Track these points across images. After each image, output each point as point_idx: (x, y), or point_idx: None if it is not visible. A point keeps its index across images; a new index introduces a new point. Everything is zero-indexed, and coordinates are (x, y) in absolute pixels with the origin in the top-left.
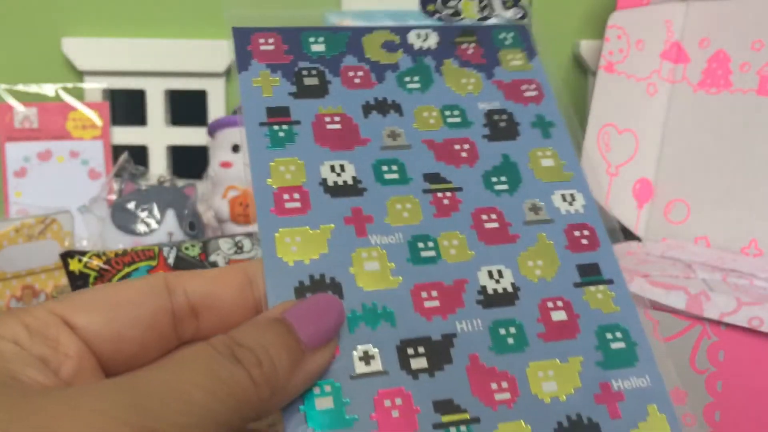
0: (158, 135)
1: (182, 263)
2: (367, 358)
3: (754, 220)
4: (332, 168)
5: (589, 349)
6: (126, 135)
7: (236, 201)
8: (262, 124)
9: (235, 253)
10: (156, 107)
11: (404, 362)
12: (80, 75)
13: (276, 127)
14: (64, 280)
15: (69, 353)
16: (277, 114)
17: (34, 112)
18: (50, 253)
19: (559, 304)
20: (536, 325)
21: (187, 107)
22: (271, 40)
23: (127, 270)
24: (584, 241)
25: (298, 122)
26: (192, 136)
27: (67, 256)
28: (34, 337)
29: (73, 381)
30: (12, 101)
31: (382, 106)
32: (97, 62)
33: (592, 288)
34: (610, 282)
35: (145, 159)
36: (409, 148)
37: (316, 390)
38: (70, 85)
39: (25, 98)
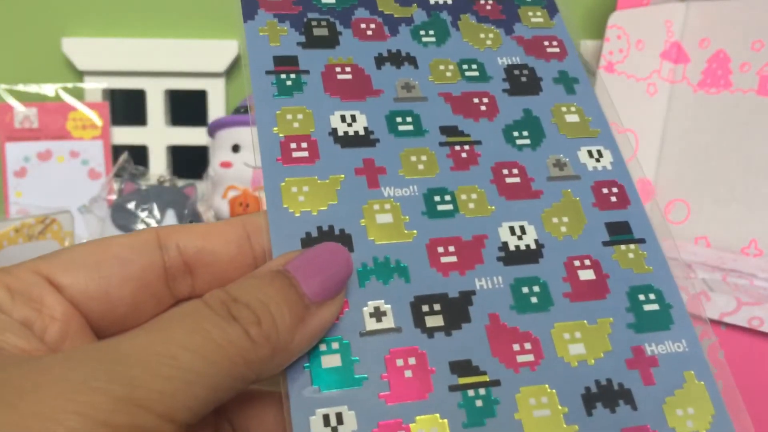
0: (158, 135)
1: None
2: (378, 314)
3: (754, 220)
4: (343, 118)
5: (619, 310)
6: (126, 135)
7: (236, 201)
8: (268, 72)
9: None
10: (156, 107)
11: (419, 320)
12: (80, 75)
13: (283, 76)
14: None
15: (54, 315)
16: (285, 63)
17: (34, 112)
18: None
19: (587, 263)
20: (562, 285)
21: (187, 107)
22: None
23: None
24: (613, 199)
25: (306, 72)
26: (192, 136)
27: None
28: (16, 299)
29: (59, 345)
30: (12, 101)
31: (396, 58)
32: (97, 62)
33: (623, 247)
34: (641, 241)
35: (145, 159)
36: (424, 100)
37: (323, 347)
38: (70, 85)
39: (25, 98)
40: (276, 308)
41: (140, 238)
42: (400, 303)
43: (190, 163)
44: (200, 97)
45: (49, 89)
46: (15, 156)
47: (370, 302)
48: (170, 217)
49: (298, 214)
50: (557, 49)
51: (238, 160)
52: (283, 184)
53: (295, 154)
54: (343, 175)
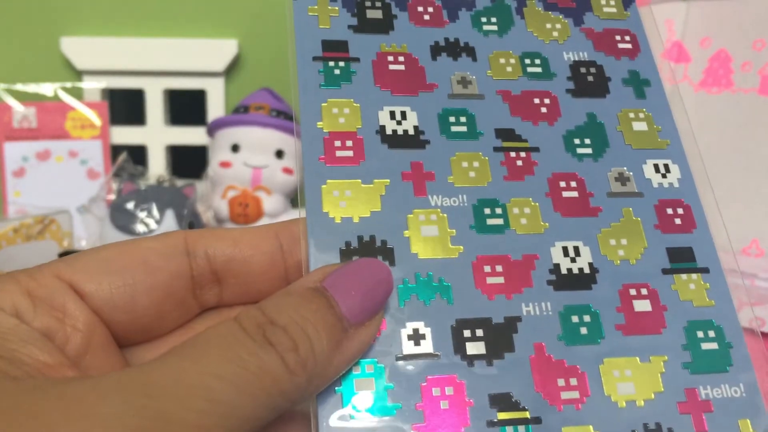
0: (157, 135)
1: None
2: (417, 337)
3: (755, 220)
4: (392, 114)
5: (675, 347)
6: (125, 134)
7: (235, 201)
8: (316, 58)
9: None
10: (155, 107)
11: (459, 346)
12: (79, 74)
13: (332, 63)
14: None
15: (77, 325)
16: (334, 48)
17: (33, 112)
18: (49, 253)
19: (644, 292)
20: (615, 315)
21: (186, 107)
22: None
23: None
24: (677, 221)
25: (356, 59)
26: (191, 135)
27: (65, 255)
28: (38, 306)
29: (81, 358)
30: (11, 101)
31: (453, 48)
32: (96, 62)
33: (684, 276)
34: (704, 271)
35: (144, 159)
36: (481, 98)
37: (356, 370)
38: (68, 85)
39: (24, 98)
40: (313, 332)
41: (168, 243)
42: (441, 326)
43: (189, 162)
44: (199, 96)
45: (47, 89)
46: (13, 156)
47: (409, 323)
48: (169, 217)
49: (338, 221)
50: (629, 45)
51: (237, 160)
52: (324, 186)
53: (339, 153)
54: (388, 180)
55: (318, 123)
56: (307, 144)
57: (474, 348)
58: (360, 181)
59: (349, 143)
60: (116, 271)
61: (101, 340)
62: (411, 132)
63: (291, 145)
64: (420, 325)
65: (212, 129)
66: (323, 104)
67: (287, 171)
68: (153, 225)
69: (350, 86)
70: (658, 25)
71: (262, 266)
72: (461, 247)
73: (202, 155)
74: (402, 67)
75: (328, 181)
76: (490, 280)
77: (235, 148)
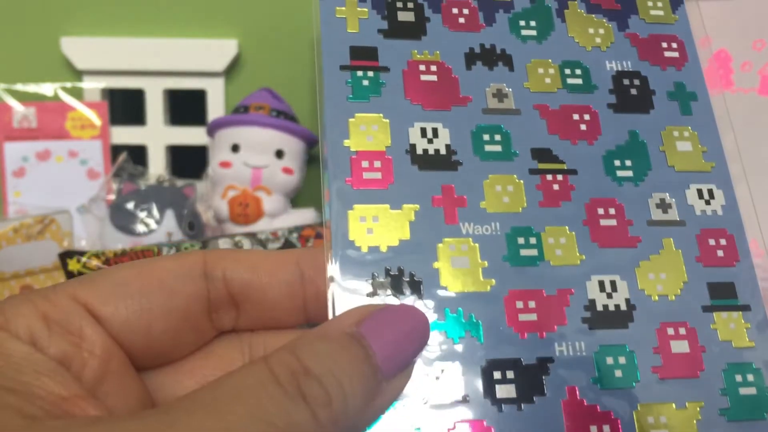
0: (157, 134)
1: None
2: (445, 378)
3: (755, 220)
4: (423, 132)
5: (712, 392)
6: (125, 134)
7: (235, 201)
8: (343, 67)
9: None
10: (155, 107)
11: (489, 388)
12: (79, 74)
13: (360, 73)
14: (63, 281)
15: (94, 350)
16: (363, 56)
17: (33, 112)
18: (49, 253)
19: (682, 331)
20: (652, 356)
21: (186, 107)
22: None
23: None
24: (720, 253)
25: (386, 69)
26: (191, 135)
27: (65, 256)
28: (53, 331)
29: (98, 386)
30: (10, 101)
31: (489, 56)
32: (96, 61)
33: (724, 315)
34: (746, 308)
35: (144, 159)
36: (517, 113)
37: (384, 417)
38: (68, 85)
39: (24, 98)
40: (349, 386)
41: (186, 264)
42: (471, 367)
43: (189, 162)
44: (199, 96)
45: (47, 89)
46: (13, 156)
47: (437, 363)
48: (169, 217)
49: (365, 250)
50: (676, 54)
51: (237, 160)
52: (351, 211)
53: (366, 175)
54: (418, 206)
55: (345, 141)
56: (333, 165)
57: (504, 391)
58: (388, 206)
59: (377, 164)
60: (133, 294)
61: (118, 366)
62: (443, 152)
63: (291, 146)
64: (449, 366)
65: (212, 129)
66: (350, 120)
67: (287, 171)
68: (153, 225)
69: (379, 99)
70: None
71: (280, 295)
72: (493, 280)
73: (202, 155)
74: (434, 78)
75: (355, 206)
76: (522, 317)
77: (235, 148)
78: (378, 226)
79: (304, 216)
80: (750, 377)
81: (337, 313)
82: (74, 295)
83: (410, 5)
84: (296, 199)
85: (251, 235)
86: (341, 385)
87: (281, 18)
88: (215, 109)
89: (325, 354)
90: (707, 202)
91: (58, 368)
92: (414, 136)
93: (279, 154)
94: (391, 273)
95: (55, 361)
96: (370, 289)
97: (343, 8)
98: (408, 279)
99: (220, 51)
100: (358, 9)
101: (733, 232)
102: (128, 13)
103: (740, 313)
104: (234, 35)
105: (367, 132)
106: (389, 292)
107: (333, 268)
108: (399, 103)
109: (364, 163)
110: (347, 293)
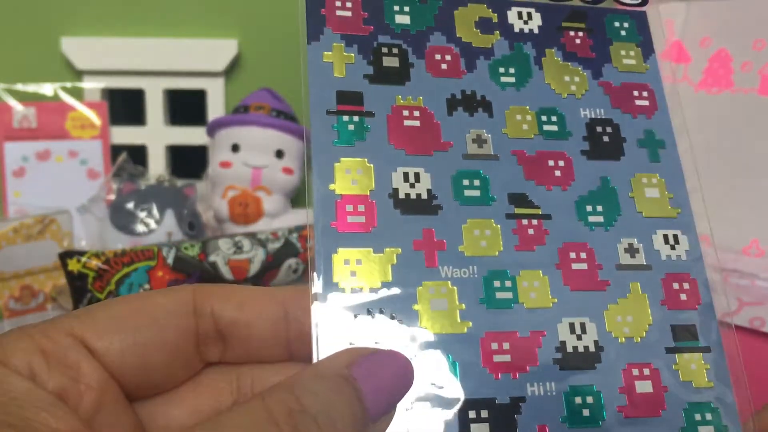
0: (157, 134)
1: (181, 263)
2: (423, 417)
3: (755, 221)
4: (406, 176)
5: (673, 430)
6: (125, 134)
7: (235, 201)
8: (330, 112)
9: (235, 253)
10: (155, 107)
11: (464, 427)
12: (79, 74)
13: (346, 118)
14: (62, 280)
15: (91, 384)
16: (349, 101)
17: (33, 112)
18: (49, 253)
19: (646, 372)
20: (617, 396)
21: (186, 107)
22: (349, 4)
23: (126, 270)
24: (683, 296)
25: (371, 114)
26: (191, 135)
27: (65, 256)
28: (52, 366)
29: (94, 418)
30: (11, 101)
31: (470, 102)
32: (96, 62)
33: (686, 356)
34: (706, 350)
35: (144, 159)
36: (496, 159)
37: None
38: (68, 85)
39: (24, 98)
40: (341, 424)
41: (177, 300)
42: (447, 406)
43: (189, 162)
44: (199, 96)
45: (47, 89)
46: (13, 156)
47: (417, 404)
48: (169, 217)
49: (347, 292)
50: (646, 102)
51: (237, 160)
52: (335, 255)
53: (350, 219)
54: (399, 249)
55: (330, 185)
56: (319, 209)
57: (478, 430)
58: (371, 249)
59: (361, 208)
60: (127, 328)
61: (113, 398)
62: (424, 196)
63: (291, 145)
64: (426, 405)
65: (212, 129)
66: (336, 164)
67: (287, 171)
68: (153, 225)
69: (364, 144)
70: (658, 25)
71: (264, 332)
72: (470, 322)
73: (202, 155)
74: (417, 123)
75: (339, 249)
76: (497, 358)
77: (235, 148)
78: (361, 269)
79: (305, 216)
80: (708, 416)
81: (321, 351)
82: (71, 330)
83: (395, 51)
84: (296, 199)
85: (251, 235)
86: (334, 425)
87: (281, 18)
88: (215, 109)
89: (321, 393)
90: (672, 247)
91: (57, 403)
92: (397, 180)
93: (279, 154)
94: (373, 314)
95: (53, 396)
96: (353, 329)
97: (330, 53)
98: (389, 319)
99: (220, 51)
100: (345, 54)
101: (695, 276)
102: (128, 13)
103: (701, 354)
104: (234, 35)
105: (352, 176)
106: (371, 332)
107: (317, 309)
108: (383, 147)
109: (349, 207)
110: (331, 333)
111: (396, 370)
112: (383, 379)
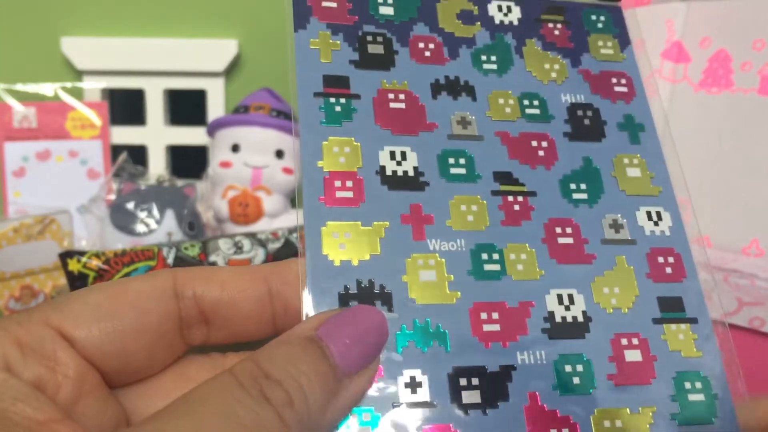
0: (157, 134)
1: (182, 263)
2: (414, 385)
3: (755, 221)
4: (392, 155)
5: (663, 398)
6: (125, 134)
7: (235, 201)
8: (317, 94)
9: (235, 253)
10: (155, 107)
11: (455, 394)
12: (79, 74)
13: (333, 100)
14: (63, 281)
15: (68, 373)
16: (336, 84)
17: (33, 112)
18: (49, 253)
19: (635, 341)
20: (607, 365)
21: (186, 107)
22: None
23: (126, 270)
24: (668, 270)
25: (357, 96)
26: (191, 135)
27: (66, 256)
28: (27, 356)
29: (73, 407)
30: (11, 101)
31: (454, 87)
32: (96, 62)
33: (673, 326)
34: (693, 321)
35: (144, 159)
36: (480, 139)
37: (352, 418)
38: (69, 85)
39: (24, 98)
40: (308, 384)
41: (157, 285)
42: (438, 374)
43: (189, 162)
44: (199, 96)
45: (48, 89)
46: (14, 156)
47: (406, 371)
48: (169, 217)
49: (337, 264)
50: (625, 89)
51: (237, 160)
52: (324, 228)
53: (339, 194)
54: (387, 222)
55: (318, 162)
56: (307, 184)
57: (470, 397)
58: (360, 223)
59: (349, 183)
60: (106, 316)
61: (92, 386)
62: (411, 173)
63: (291, 145)
64: (417, 373)
65: (212, 129)
66: (324, 143)
67: (287, 171)
68: (153, 225)
69: (351, 124)
70: (657, 26)
71: (248, 310)
72: (458, 293)
73: (202, 155)
74: (402, 105)
75: (328, 222)
76: (486, 328)
77: (235, 148)
78: (350, 242)
79: None
80: (698, 384)
81: None
82: (47, 320)
83: (380, 39)
84: (296, 199)
85: (251, 235)
86: (301, 386)
87: (281, 18)
88: (215, 109)
89: (284, 358)
90: (656, 224)
91: (34, 392)
92: (384, 158)
93: (279, 154)
94: (362, 285)
95: (30, 386)
96: (342, 300)
97: (317, 40)
98: (378, 291)
99: (220, 51)
100: (331, 41)
101: (680, 251)
102: (128, 13)
103: (688, 325)
104: (234, 35)
105: (339, 154)
106: (361, 303)
107: (307, 281)
108: (369, 127)
109: (337, 183)
110: (319, 305)
111: (367, 324)
112: (351, 333)
